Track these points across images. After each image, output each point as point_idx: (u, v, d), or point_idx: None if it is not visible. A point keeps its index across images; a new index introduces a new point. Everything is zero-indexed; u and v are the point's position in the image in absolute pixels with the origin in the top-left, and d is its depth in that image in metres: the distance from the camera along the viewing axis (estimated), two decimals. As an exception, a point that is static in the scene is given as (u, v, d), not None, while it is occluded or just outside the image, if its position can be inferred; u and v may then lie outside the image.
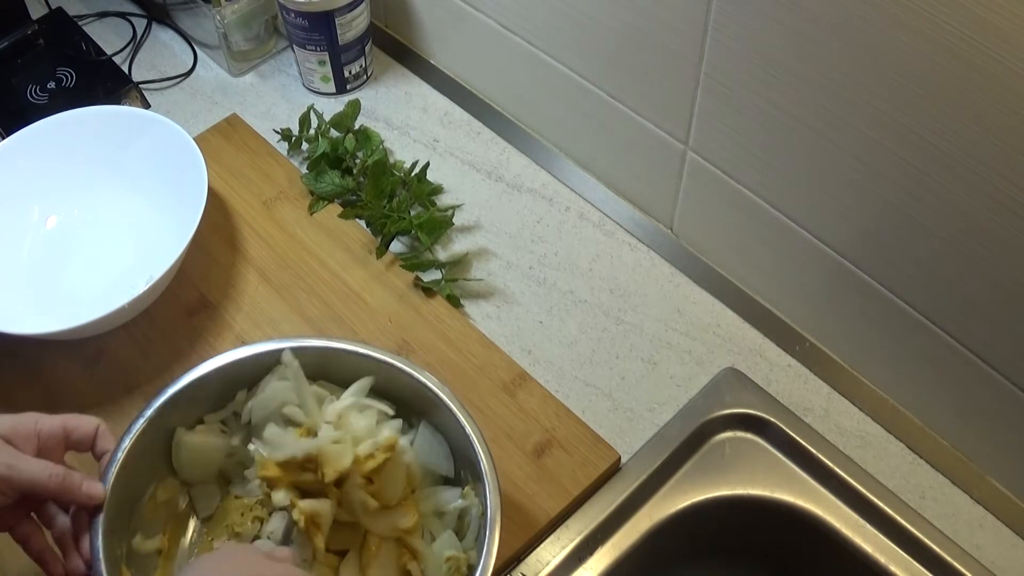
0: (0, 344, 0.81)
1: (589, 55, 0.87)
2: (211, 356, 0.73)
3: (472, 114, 1.05)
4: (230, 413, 0.75)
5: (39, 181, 0.94)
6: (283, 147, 1.02)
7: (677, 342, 0.87)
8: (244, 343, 0.75)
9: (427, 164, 0.97)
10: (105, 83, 1.06)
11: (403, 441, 0.71)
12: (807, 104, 0.70)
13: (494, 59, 1.00)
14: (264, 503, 0.74)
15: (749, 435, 0.82)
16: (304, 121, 1.02)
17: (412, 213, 0.94)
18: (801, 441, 0.80)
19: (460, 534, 0.71)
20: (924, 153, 0.64)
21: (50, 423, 0.65)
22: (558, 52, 0.90)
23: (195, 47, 1.12)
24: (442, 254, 0.94)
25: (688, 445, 0.81)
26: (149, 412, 0.69)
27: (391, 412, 0.74)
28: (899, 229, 0.70)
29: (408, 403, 0.75)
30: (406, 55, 1.11)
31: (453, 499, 0.71)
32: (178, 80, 1.10)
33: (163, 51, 1.13)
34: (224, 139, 1.02)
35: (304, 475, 0.69)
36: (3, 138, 0.96)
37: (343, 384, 0.75)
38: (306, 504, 0.68)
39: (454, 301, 0.90)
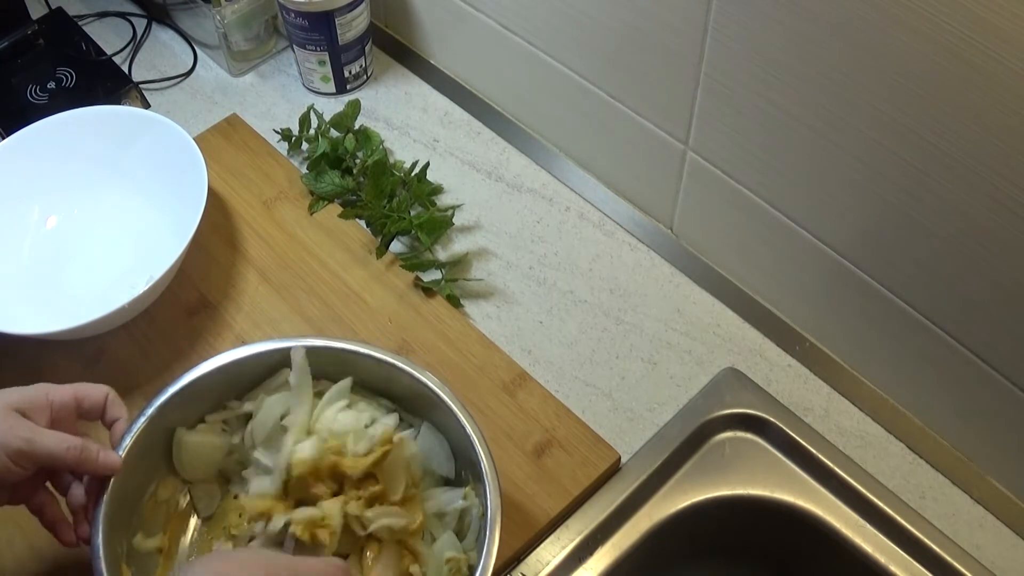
0: (0, 344, 0.81)
1: (589, 55, 0.87)
2: (211, 356, 0.73)
3: (472, 114, 1.05)
4: (232, 415, 0.75)
5: (39, 181, 0.94)
6: (283, 147, 1.02)
7: (677, 342, 0.87)
8: (244, 343, 0.75)
9: (427, 164, 0.97)
10: (105, 83, 1.06)
11: (404, 433, 0.71)
12: (807, 104, 0.70)
13: (494, 59, 1.00)
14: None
15: (749, 435, 0.82)
16: (304, 121, 1.02)
17: (412, 213, 0.94)
18: (801, 441, 0.80)
19: (460, 535, 0.71)
20: (924, 153, 0.64)
21: (61, 393, 0.66)
22: (558, 52, 0.90)
23: (195, 47, 1.12)
24: (442, 254, 0.94)
25: (688, 445, 0.81)
26: (150, 411, 0.69)
27: (381, 414, 0.74)
28: (899, 229, 0.70)
29: (409, 403, 0.75)
30: (406, 55, 1.11)
31: (454, 500, 0.71)
32: (178, 80, 1.10)
33: (163, 51, 1.13)
34: (224, 139, 1.02)
35: (299, 495, 0.69)
36: (3, 138, 0.96)
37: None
38: (300, 514, 0.68)
39: (454, 301, 0.90)
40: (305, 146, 1.02)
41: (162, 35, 1.15)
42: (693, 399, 0.83)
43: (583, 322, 0.89)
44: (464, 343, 0.86)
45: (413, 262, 0.91)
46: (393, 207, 0.94)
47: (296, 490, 0.70)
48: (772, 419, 0.81)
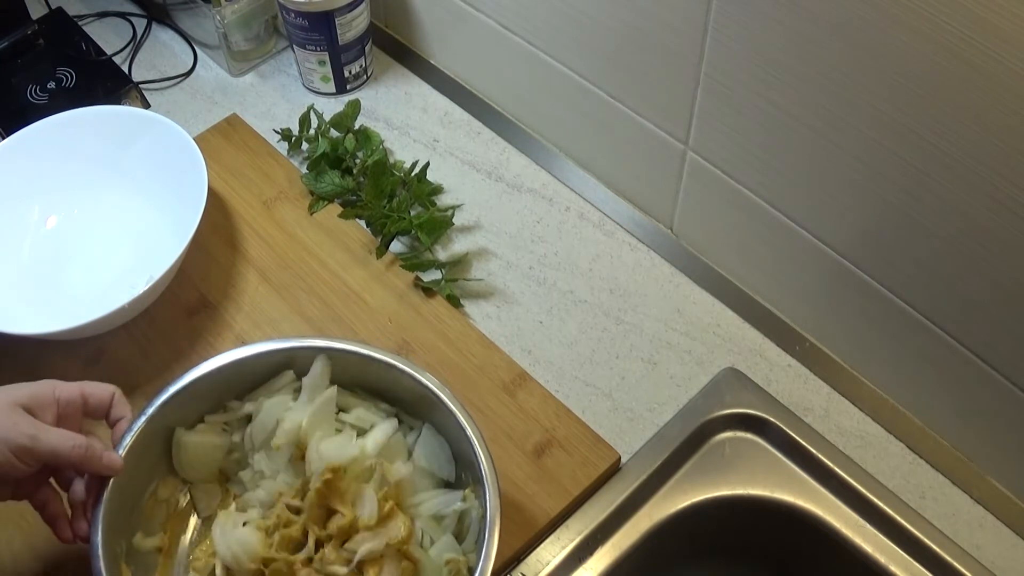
0: (0, 344, 0.81)
1: (589, 55, 0.87)
2: (211, 356, 0.73)
3: (472, 114, 1.05)
4: (233, 417, 0.75)
5: (39, 181, 0.94)
6: (283, 147, 1.02)
7: (677, 342, 0.87)
8: (244, 343, 0.75)
9: (427, 164, 0.97)
10: (105, 83, 1.06)
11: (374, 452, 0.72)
12: (807, 104, 0.70)
13: (494, 59, 1.00)
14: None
15: (749, 435, 0.82)
16: (304, 121, 1.02)
17: (412, 213, 0.94)
18: (801, 441, 0.80)
19: (460, 537, 0.71)
20: (924, 153, 0.64)
21: (68, 390, 0.66)
22: (558, 52, 0.90)
23: (195, 47, 1.12)
24: (442, 254, 0.94)
25: (688, 445, 0.81)
26: (150, 410, 0.70)
27: (379, 418, 0.74)
28: (899, 229, 0.70)
29: (410, 406, 0.75)
30: (406, 55, 1.11)
31: (453, 502, 0.71)
32: (178, 80, 1.10)
33: (163, 51, 1.13)
34: (224, 139, 1.02)
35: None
36: (3, 138, 0.96)
37: (342, 383, 0.75)
38: None
39: (454, 301, 0.90)
40: (305, 146, 1.02)
41: (162, 35, 1.15)
42: (693, 399, 0.83)
43: (583, 322, 0.89)
44: (464, 343, 0.86)
45: (413, 262, 0.91)
46: (393, 207, 0.94)
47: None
48: (772, 419, 0.81)
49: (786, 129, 0.73)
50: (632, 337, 0.88)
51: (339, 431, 0.74)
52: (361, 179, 0.97)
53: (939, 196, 0.65)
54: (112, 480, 0.66)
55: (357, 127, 1.02)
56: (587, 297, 0.90)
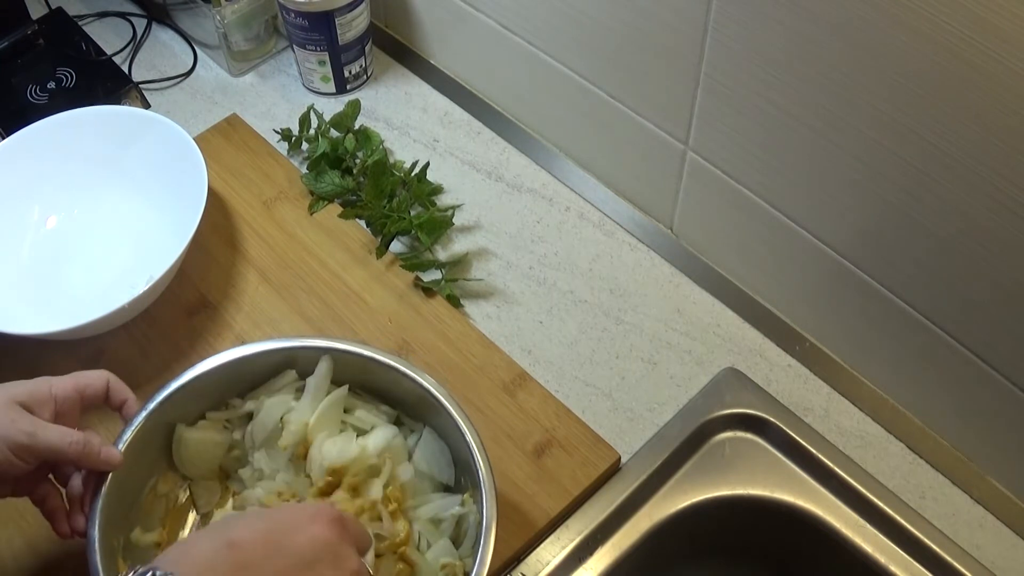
0: (0, 344, 0.81)
1: (589, 55, 0.87)
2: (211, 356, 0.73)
3: (472, 114, 1.05)
4: (235, 415, 0.75)
5: (39, 181, 0.94)
6: (283, 147, 1.02)
7: (677, 342, 0.87)
8: (244, 343, 0.75)
9: (427, 164, 0.97)
10: (105, 83, 1.06)
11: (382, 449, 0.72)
12: (807, 104, 0.70)
13: (494, 59, 1.00)
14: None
15: (749, 435, 0.82)
16: (304, 121, 1.02)
17: (412, 213, 0.94)
18: (801, 441, 0.80)
19: (457, 541, 0.71)
20: (924, 153, 0.64)
21: (63, 385, 0.66)
22: (558, 52, 0.90)
23: (195, 47, 1.12)
24: (442, 254, 0.94)
25: (688, 445, 0.81)
26: (151, 406, 0.70)
27: (381, 421, 0.74)
28: (899, 229, 0.70)
29: (412, 408, 0.75)
30: (406, 55, 1.11)
31: (451, 506, 0.71)
32: (178, 80, 1.10)
33: (163, 51, 1.13)
34: (224, 139, 1.02)
35: None
36: (3, 138, 0.96)
37: (343, 384, 0.75)
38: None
39: (454, 301, 0.90)
40: (305, 146, 1.02)
41: (162, 35, 1.15)
42: (693, 399, 0.83)
43: (583, 322, 0.89)
44: (464, 343, 0.86)
45: (413, 262, 0.91)
46: (393, 207, 0.94)
47: None
48: (772, 419, 0.81)
49: (786, 129, 0.73)
50: (632, 337, 0.88)
51: (341, 431, 0.74)
52: (361, 179, 0.97)
53: (939, 196, 0.65)
54: (111, 475, 0.66)
55: (357, 127, 1.02)
56: (587, 297, 0.90)
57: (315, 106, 1.03)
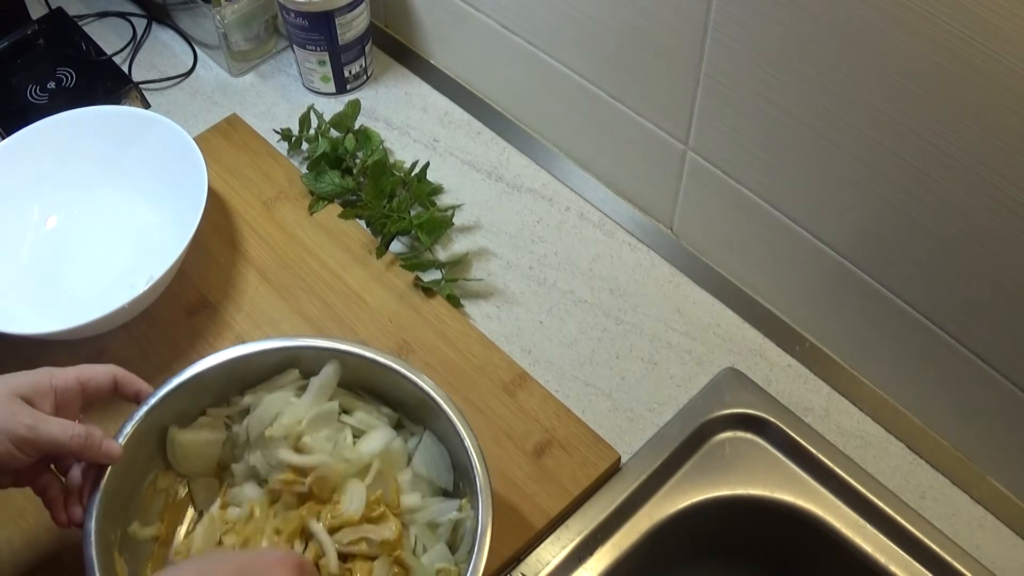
0: (0, 344, 0.81)
1: (589, 55, 0.87)
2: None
3: (472, 114, 1.05)
4: (235, 411, 0.75)
5: (39, 181, 0.94)
6: (283, 147, 1.02)
7: (677, 342, 0.87)
8: (244, 343, 0.75)
9: (427, 164, 0.97)
10: (105, 83, 1.06)
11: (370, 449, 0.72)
12: (807, 104, 0.70)
13: (494, 59, 1.00)
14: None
15: (749, 435, 0.82)
16: (304, 121, 1.02)
17: (412, 213, 0.94)
18: (801, 441, 0.80)
19: (454, 546, 0.71)
20: (924, 153, 0.64)
21: (64, 377, 0.66)
22: (558, 52, 0.90)
23: (195, 47, 1.12)
24: (442, 254, 0.94)
25: (688, 445, 0.81)
26: (152, 401, 0.70)
27: (381, 423, 0.74)
28: (899, 229, 0.70)
29: (412, 411, 0.75)
30: (406, 55, 1.11)
31: (449, 511, 0.71)
32: (178, 80, 1.10)
33: (163, 51, 1.13)
34: (224, 139, 1.02)
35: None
36: (3, 138, 0.96)
37: (344, 384, 0.75)
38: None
39: (454, 301, 0.90)
40: (305, 146, 1.02)
41: (162, 35, 1.15)
42: (693, 399, 0.83)
43: (583, 322, 0.89)
44: (464, 343, 0.86)
45: (413, 262, 0.91)
46: (393, 207, 0.94)
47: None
48: (772, 419, 0.81)
49: (786, 129, 0.73)
50: (632, 337, 0.88)
51: (339, 431, 0.74)
52: (361, 179, 0.97)
53: (939, 196, 0.65)
54: (110, 468, 0.67)
55: (357, 127, 1.02)
56: (587, 297, 0.90)
57: (315, 106, 1.03)
